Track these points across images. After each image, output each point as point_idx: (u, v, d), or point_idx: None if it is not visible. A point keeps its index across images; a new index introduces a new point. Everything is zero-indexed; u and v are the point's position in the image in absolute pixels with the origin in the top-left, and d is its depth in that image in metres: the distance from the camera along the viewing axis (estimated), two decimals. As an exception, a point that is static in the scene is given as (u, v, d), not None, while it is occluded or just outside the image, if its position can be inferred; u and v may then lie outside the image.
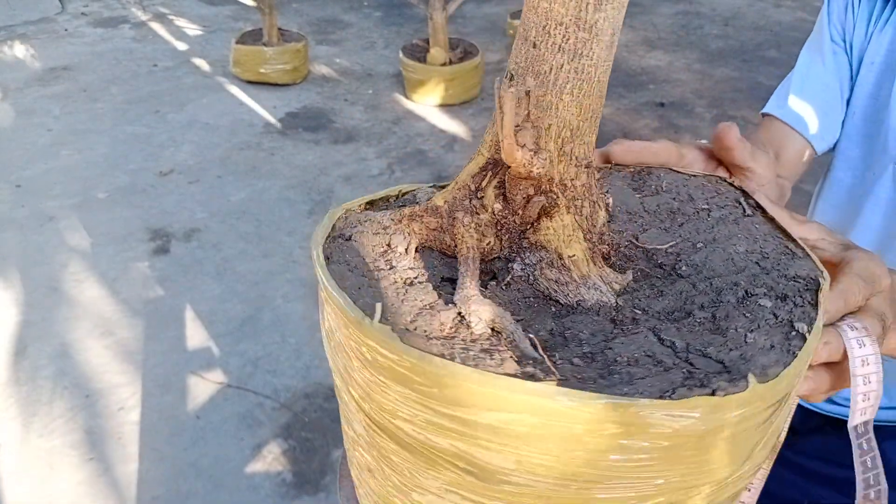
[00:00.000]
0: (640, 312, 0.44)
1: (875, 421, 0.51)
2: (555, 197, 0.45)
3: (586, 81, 0.44)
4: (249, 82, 3.87)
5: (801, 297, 0.42)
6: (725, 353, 0.38)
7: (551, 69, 0.43)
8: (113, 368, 2.15)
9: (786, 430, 0.47)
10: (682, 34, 4.63)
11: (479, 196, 0.47)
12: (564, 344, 0.41)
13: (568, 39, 0.42)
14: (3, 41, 4.38)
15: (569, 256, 0.45)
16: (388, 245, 0.48)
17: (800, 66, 0.98)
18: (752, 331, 0.39)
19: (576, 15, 0.42)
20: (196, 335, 2.27)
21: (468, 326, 0.41)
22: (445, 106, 3.70)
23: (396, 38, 4.53)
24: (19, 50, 4.29)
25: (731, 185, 0.54)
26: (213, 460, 1.88)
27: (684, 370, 0.37)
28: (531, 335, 0.40)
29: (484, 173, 0.47)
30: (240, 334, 2.27)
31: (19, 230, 2.74)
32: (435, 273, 0.47)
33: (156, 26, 4.71)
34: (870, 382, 0.46)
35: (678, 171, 0.56)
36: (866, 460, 0.51)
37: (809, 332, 0.39)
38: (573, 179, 0.46)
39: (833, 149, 0.97)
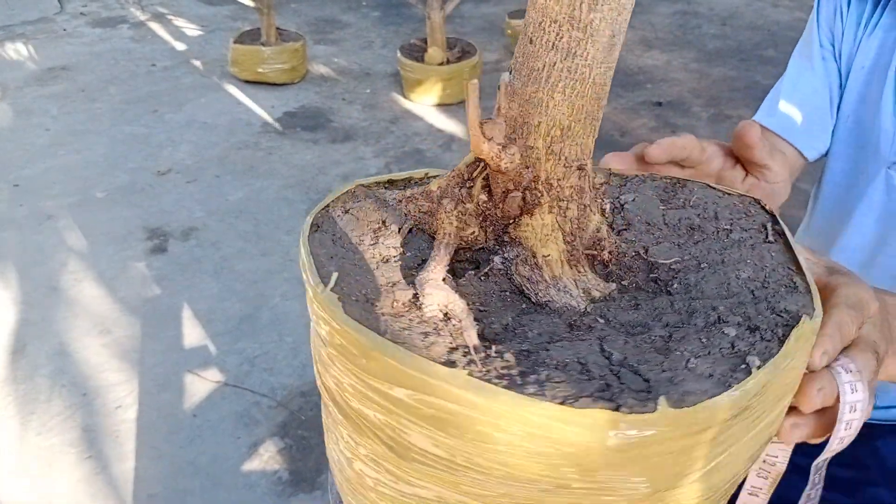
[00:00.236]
0: (601, 321, 0.43)
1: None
2: (538, 195, 0.45)
3: (579, 81, 0.43)
4: (247, 82, 3.88)
5: (772, 331, 0.40)
6: (657, 373, 0.37)
7: (544, 66, 0.43)
8: (111, 367, 2.16)
9: (755, 475, 0.45)
10: (680, 34, 4.64)
11: (468, 186, 0.47)
12: (510, 339, 0.41)
13: (561, 38, 0.42)
14: (1, 41, 4.38)
15: (543, 256, 0.46)
16: (383, 222, 0.50)
17: (789, 73, 0.99)
18: (699, 356, 0.38)
19: (569, 13, 0.41)
20: (194, 334, 2.28)
21: (419, 308, 0.42)
22: (443, 105, 3.71)
23: (394, 37, 4.54)
24: (18, 50, 4.30)
25: (762, 207, 0.51)
26: (209, 458, 1.89)
27: (605, 382, 0.36)
28: (478, 325, 0.41)
29: (477, 164, 0.47)
30: (237, 333, 2.28)
31: (18, 229, 2.75)
32: (417, 254, 0.48)
33: (154, 26, 4.72)
34: (850, 428, 0.44)
35: (712, 187, 0.54)
36: (811, 493, 0.52)
37: (759, 367, 0.37)
38: (560, 180, 0.45)
39: (826, 152, 0.98)
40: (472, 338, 0.40)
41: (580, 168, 0.46)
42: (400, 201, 0.50)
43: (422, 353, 0.38)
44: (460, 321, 0.41)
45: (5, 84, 3.87)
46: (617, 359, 0.38)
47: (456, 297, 0.43)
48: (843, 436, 0.44)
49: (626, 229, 0.51)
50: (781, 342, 0.39)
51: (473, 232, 0.48)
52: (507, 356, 0.39)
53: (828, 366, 0.44)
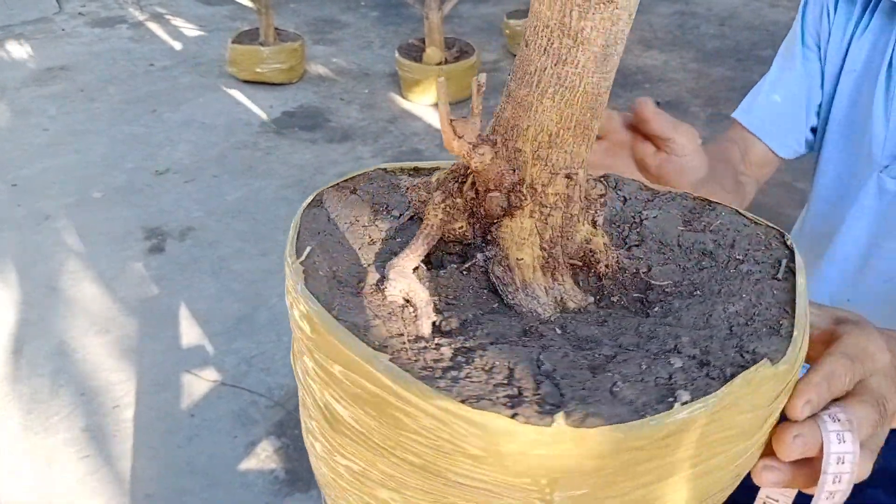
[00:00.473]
0: (557, 332, 0.43)
1: None
2: (521, 198, 0.45)
3: (569, 89, 0.42)
4: (246, 82, 3.88)
5: (722, 370, 0.38)
6: (576, 390, 0.37)
7: (535, 70, 0.43)
8: (109, 366, 2.17)
9: None
10: (678, 34, 4.64)
11: (460, 181, 0.47)
12: (459, 335, 0.42)
13: (552, 43, 0.42)
14: (0, 41, 4.39)
15: (516, 259, 0.46)
16: (387, 207, 0.51)
17: (771, 72, 0.99)
18: (628, 381, 0.37)
19: (560, 20, 0.41)
20: (191, 334, 2.29)
21: (382, 292, 0.43)
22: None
23: (393, 37, 4.54)
24: (16, 49, 4.30)
25: (784, 242, 0.49)
26: (207, 458, 1.90)
27: (520, 390, 0.36)
28: (439, 317, 0.42)
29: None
30: (235, 333, 2.29)
31: (16, 229, 2.76)
32: (407, 242, 0.48)
33: (153, 26, 4.72)
34: (840, 482, 0.41)
35: (741, 214, 0.52)
36: None
37: (685, 403, 0.35)
38: (544, 186, 0.45)
39: (818, 155, 0.98)
40: (422, 327, 0.41)
41: (568, 176, 0.45)
42: (408, 189, 0.50)
43: (361, 333, 0.39)
44: (416, 310, 0.42)
45: (4, 84, 3.87)
46: (545, 370, 0.38)
47: (418, 287, 0.44)
48: (831, 489, 0.41)
49: (637, 245, 0.51)
50: (723, 381, 0.37)
51: (462, 227, 0.48)
52: (444, 350, 0.40)
53: (815, 415, 0.42)
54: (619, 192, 0.55)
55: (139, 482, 1.84)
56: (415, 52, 3.73)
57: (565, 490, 0.36)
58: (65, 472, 1.86)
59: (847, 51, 0.91)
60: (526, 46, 0.43)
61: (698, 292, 0.46)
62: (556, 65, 0.42)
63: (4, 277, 2.51)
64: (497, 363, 0.39)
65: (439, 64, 3.64)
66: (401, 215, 0.51)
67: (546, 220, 0.46)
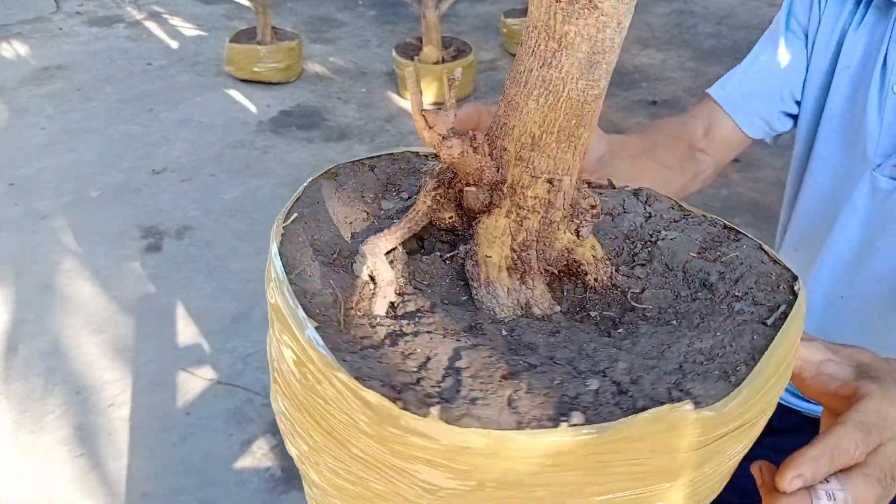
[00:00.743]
0: (503, 333, 0.43)
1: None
2: (501, 197, 0.45)
3: (553, 93, 0.42)
4: (243, 81, 3.88)
5: (636, 402, 0.37)
6: (475, 391, 0.37)
7: (524, 71, 0.42)
8: (104, 365, 2.17)
9: None
10: (676, 33, 4.64)
11: (454, 172, 0.48)
12: (407, 318, 0.43)
13: (539, 45, 0.41)
14: (-3, 40, 4.39)
15: (484, 256, 0.46)
16: (398, 187, 0.51)
17: (752, 52, 0.99)
18: (532, 392, 0.37)
19: (545, 22, 0.40)
20: (187, 332, 2.29)
21: (350, 265, 0.45)
22: (439, 104, 3.71)
23: (390, 36, 4.54)
24: (14, 49, 4.30)
25: (791, 287, 0.46)
26: (202, 456, 1.90)
27: (419, 379, 0.37)
28: (400, 300, 0.44)
29: None
30: (231, 331, 2.29)
31: (13, 229, 2.76)
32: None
33: (150, 25, 4.72)
34: None
35: (764, 251, 0.49)
36: None
37: (573, 425, 0.35)
38: (524, 188, 0.45)
39: (808, 152, 0.97)
40: (375, 305, 0.42)
41: (550, 181, 0.45)
42: (423, 173, 0.51)
43: (306, 300, 0.40)
44: (376, 288, 0.43)
45: (1, 83, 3.87)
46: (458, 366, 0.38)
47: (384, 267, 0.44)
48: None
49: (642, 265, 0.50)
50: (625, 412, 0.36)
51: (451, 217, 0.48)
52: (380, 329, 0.41)
53: (810, 488, 0.39)
54: (647, 207, 0.54)
55: (134, 481, 1.84)
56: (412, 51, 3.73)
57: (443, 485, 0.36)
58: (59, 470, 1.86)
59: (840, 45, 0.90)
60: (520, 46, 0.43)
61: (675, 322, 0.45)
62: (541, 67, 0.42)
63: (1, 276, 2.51)
64: (418, 350, 0.39)
65: (436, 63, 3.64)
66: (409, 198, 0.51)
67: (521, 222, 0.45)
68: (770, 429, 1.10)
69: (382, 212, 0.51)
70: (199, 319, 2.33)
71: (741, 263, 0.48)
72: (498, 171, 0.45)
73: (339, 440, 0.38)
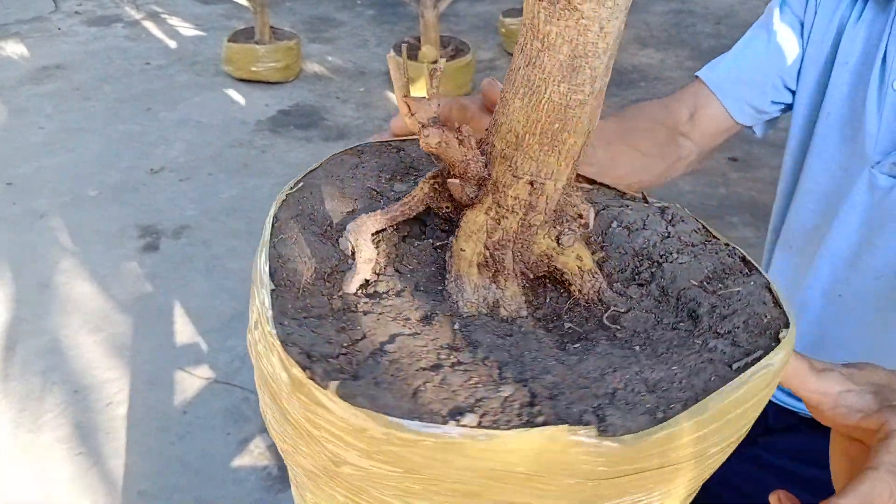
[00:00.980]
0: (454, 328, 0.43)
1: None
2: (484, 193, 0.45)
3: (535, 93, 0.41)
4: (242, 80, 3.88)
5: (536, 416, 0.36)
6: (385, 375, 0.37)
7: (514, 68, 0.42)
8: (102, 364, 2.17)
9: None
10: (674, 32, 4.64)
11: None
12: (369, 301, 0.44)
13: (526, 44, 0.41)
14: (-4, 40, 4.39)
15: (459, 249, 0.46)
16: (417, 173, 0.52)
17: (743, 39, 0.97)
18: (440, 388, 0.37)
19: (530, 21, 0.40)
20: (185, 331, 2.29)
21: (338, 239, 0.46)
22: (437, 104, 3.71)
23: (389, 36, 4.54)
24: (12, 48, 4.30)
25: (777, 334, 0.43)
26: (199, 455, 1.90)
27: (347, 362, 0.38)
28: (377, 280, 0.45)
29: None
30: (228, 330, 2.29)
31: (11, 228, 2.76)
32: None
33: (149, 25, 4.72)
34: None
35: (771, 291, 0.46)
36: None
37: (461, 425, 0.35)
38: (506, 187, 0.45)
39: (806, 147, 0.96)
40: (347, 281, 0.44)
41: (531, 183, 0.44)
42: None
43: (279, 264, 0.43)
44: (355, 264, 0.45)
45: (0, 83, 3.87)
46: (381, 351, 0.39)
47: (366, 246, 0.46)
48: None
49: (641, 285, 0.49)
50: (525, 427, 0.35)
51: (448, 206, 0.49)
52: (335, 303, 0.42)
53: None
54: (669, 226, 0.52)
55: (132, 479, 1.84)
56: (411, 51, 3.73)
57: (348, 460, 0.37)
58: (58, 469, 1.86)
59: (838, 40, 0.88)
60: (517, 43, 0.43)
61: (637, 348, 0.43)
62: (526, 66, 0.41)
63: (-2, 275, 2.51)
64: (358, 328, 0.41)
65: (435, 62, 3.64)
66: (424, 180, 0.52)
67: (499, 220, 0.45)
68: (766, 428, 1.10)
69: (392, 193, 0.51)
70: (196, 318, 2.34)
71: (739, 300, 0.46)
72: (485, 167, 0.45)
73: (278, 403, 0.39)
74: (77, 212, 2.85)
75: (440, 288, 0.47)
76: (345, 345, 0.39)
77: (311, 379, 0.35)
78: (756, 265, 0.48)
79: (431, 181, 0.48)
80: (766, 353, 0.41)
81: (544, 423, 0.35)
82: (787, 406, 0.97)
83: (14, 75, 3.97)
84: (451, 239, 0.48)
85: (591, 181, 0.58)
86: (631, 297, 0.48)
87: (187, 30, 4.66)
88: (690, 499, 0.43)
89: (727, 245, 0.51)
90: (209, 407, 2.03)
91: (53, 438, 1.94)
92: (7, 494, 1.80)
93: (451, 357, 0.40)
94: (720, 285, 0.47)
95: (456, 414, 0.35)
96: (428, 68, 0.43)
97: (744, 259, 0.49)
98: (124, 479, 1.84)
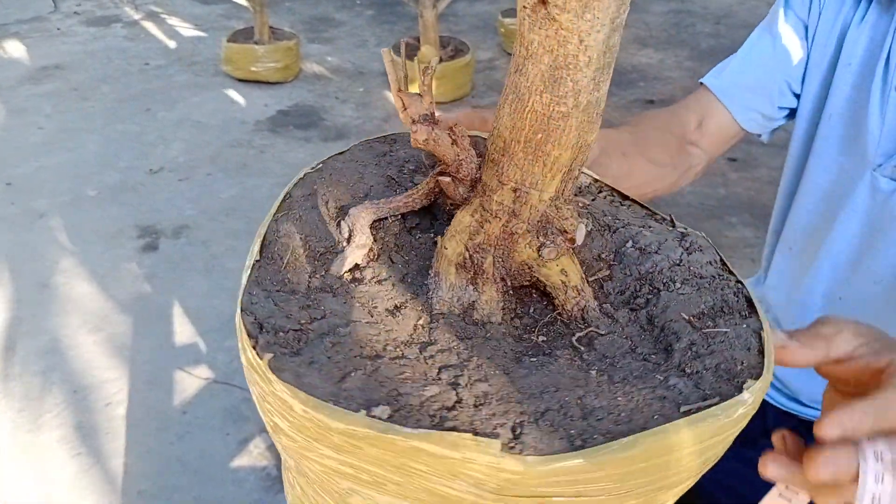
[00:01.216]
0: (418, 322, 0.44)
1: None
2: (474, 194, 0.46)
3: (519, 100, 0.41)
4: (241, 80, 3.88)
5: (449, 420, 0.35)
6: (330, 361, 0.38)
7: (508, 73, 0.43)
8: (101, 364, 2.17)
9: None
10: (674, 32, 4.64)
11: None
12: (350, 282, 0.46)
13: (516, 50, 0.41)
14: (-5, 40, 4.39)
15: (442, 247, 0.46)
16: (436, 165, 0.52)
17: (748, 41, 0.97)
18: (370, 379, 0.38)
19: (519, 27, 0.40)
20: (184, 331, 2.29)
21: (338, 224, 0.48)
22: (436, 103, 3.70)
23: (388, 36, 4.54)
24: (11, 48, 4.30)
25: (756, 378, 0.41)
26: (198, 455, 1.90)
27: (296, 333, 0.40)
28: (368, 267, 0.46)
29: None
30: (227, 330, 2.29)
31: (10, 228, 2.75)
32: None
33: (148, 25, 4.72)
34: None
35: (760, 338, 0.44)
36: None
37: (372, 416, 0.35)
38: (491, 192, 0.44)
39: (808, 150, 0.95)
40: (336, 263, 0.45)
41: (515, 191, 0.43)
42: None
43: (273, 237, 0.45)
44: (346, 249, 0.46)
45: (-1, 83, 3.87)
46: (333, 338, 0.40)
47: (361, 232, 0.47)
48: None
49: (632, 310, 0.47)
50: (433, 428, 0.35)
51: (451, 203, 0.49)
52: (311, 281, 0.44)
53: (858, 444, 0.38)
54: (683, 254, 0.50)
55: (131, 479, 1.84)
56: (410, 51, 3.72)
57: (285, 430, 0.39)
58: (57, 469, 1.86)
59: (841, 41, 0.88)
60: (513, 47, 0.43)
61: (593, 372, 0.42)
62: (515, 72, 0.41)
63: (-3, 275, 2.51)
64: (317, 309, 0.42)
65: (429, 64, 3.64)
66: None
67: (482, 223, 0.45)
68: (765, 430, 1.10)
69: (410, 184, 0.52)
70: (195, 318, 2.33)
71: (722, 341, 0.43)
72: (479, 169, 0.45)
73: (246, 367, 0.41)
74: (76, 212, 2.85)
75: (426, 282, 0.47)
76: (301, 322, 0.40)
77: (253, 348, 0.38)
78: (758, 308, 0.46)
79: (436, 178, 0.48)
80: (723, 400, 0.38)
81: (453, 429, 0.34)
82: (787, 410, 0.97)
83: (13, 75, 3.96)
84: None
85: (625, 196, 0.57)
86: (617, 321, 0.46)
87: (186, 30, 4.66)
88: None
89: (738, 283, 0.48)
90: (208, 407, 2.03)
91: (53, 438, 1.94)
92: (7, 494, 1.80)
93: (397, 350, 0.41)
94: (710, 323, 0.45)
95: (370, 404, 0.35)
96: (420, 66, 0.43)
97: (748, 300, 0.47)
98: (124, 479, 1.84)
